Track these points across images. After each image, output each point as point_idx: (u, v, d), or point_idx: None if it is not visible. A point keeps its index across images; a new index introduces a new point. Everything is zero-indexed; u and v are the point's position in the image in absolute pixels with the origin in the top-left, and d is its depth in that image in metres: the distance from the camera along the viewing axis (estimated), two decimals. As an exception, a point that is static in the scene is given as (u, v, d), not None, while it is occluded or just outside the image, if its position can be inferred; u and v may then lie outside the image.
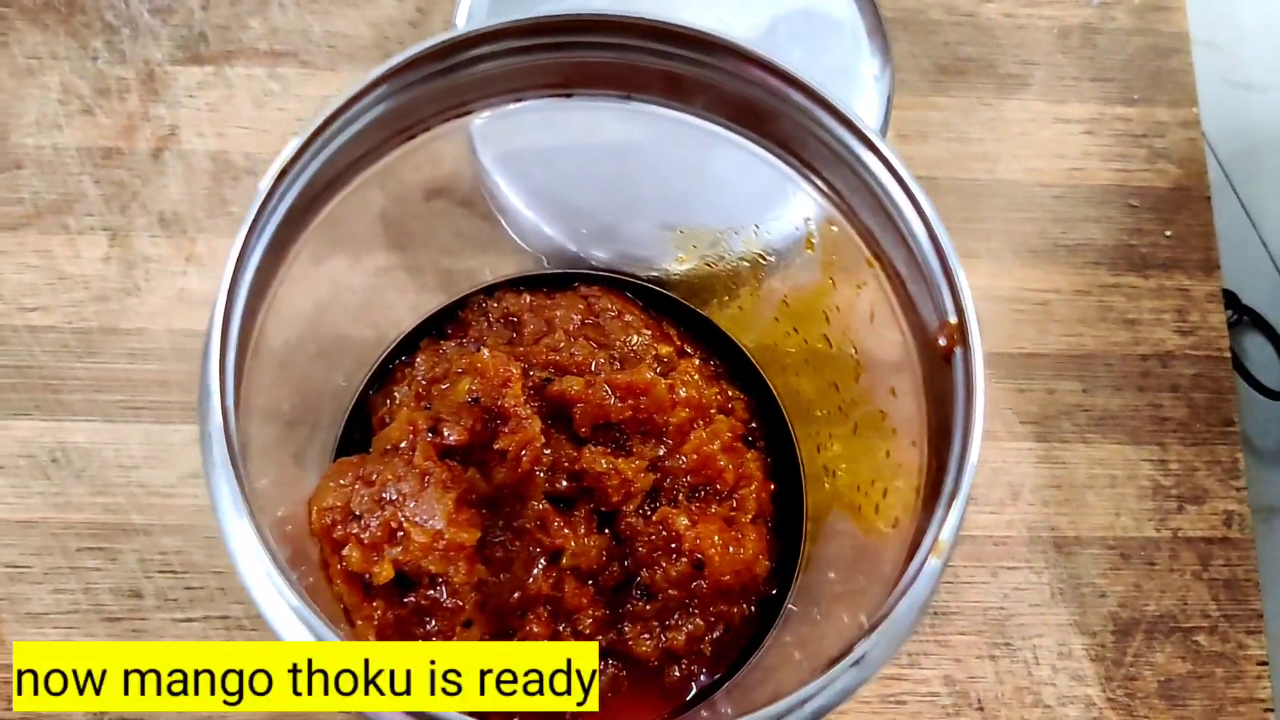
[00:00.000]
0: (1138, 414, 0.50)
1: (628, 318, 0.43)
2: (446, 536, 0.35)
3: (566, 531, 0.37)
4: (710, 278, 0.45)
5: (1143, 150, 0.54)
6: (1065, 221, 0.53)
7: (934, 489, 0.31)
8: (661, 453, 0.39)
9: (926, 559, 0.28)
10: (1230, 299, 0.53)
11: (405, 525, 0.36)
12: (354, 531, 0.36)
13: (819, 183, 0.36)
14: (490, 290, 0.44)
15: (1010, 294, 0.51)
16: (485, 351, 0.38)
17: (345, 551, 0.36)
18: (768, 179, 0.38)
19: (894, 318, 0.35)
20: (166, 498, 0.45)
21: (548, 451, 0.38)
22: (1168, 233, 0.53)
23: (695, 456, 0.39)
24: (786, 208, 0.40)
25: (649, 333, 0.43)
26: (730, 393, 0.43)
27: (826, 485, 0.41)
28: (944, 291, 0.31)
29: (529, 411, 0.37)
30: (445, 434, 0.36)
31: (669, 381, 0.40)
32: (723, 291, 0.45)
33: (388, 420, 0.40)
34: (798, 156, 0.36)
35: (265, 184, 0.29)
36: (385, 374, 0.42)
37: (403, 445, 0.37)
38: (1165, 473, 0.49)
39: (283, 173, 0.29)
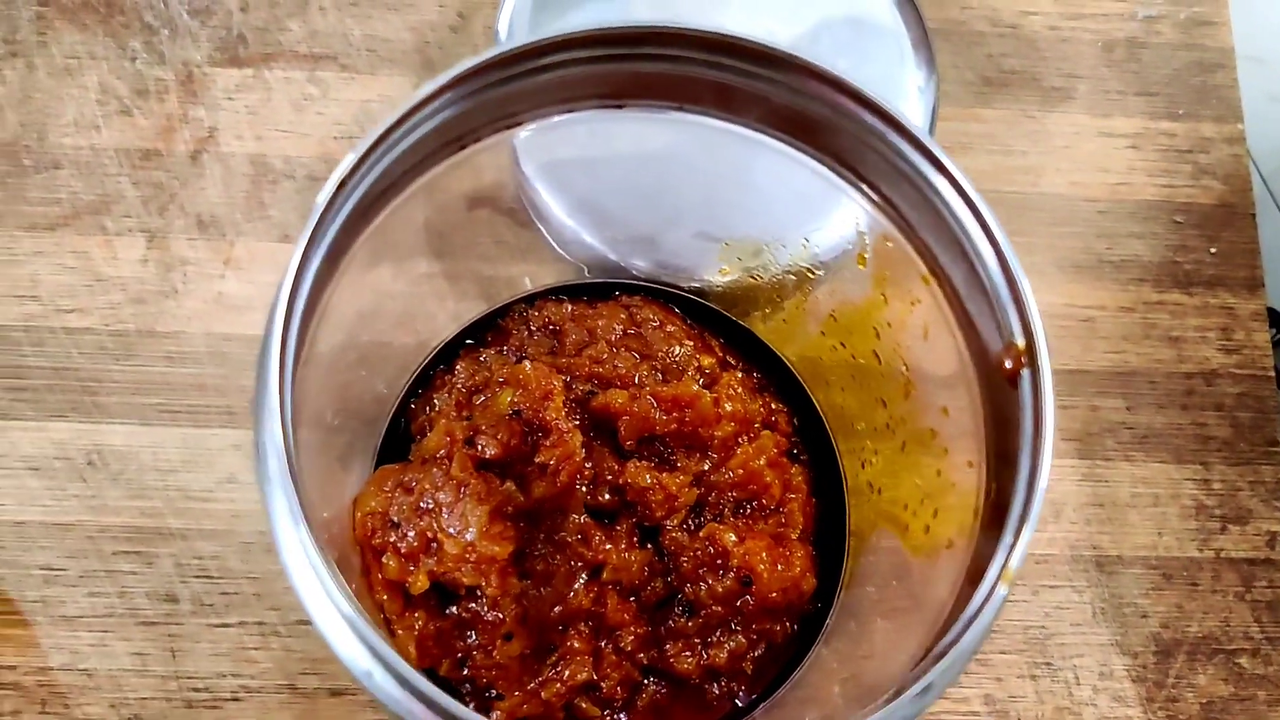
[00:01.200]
0: (1181, 432, 0.50)
1: (670, 328, 0.42)
2: (478, 549, 0.35)
3: (608, 546, 0.37)
4: (753, 289, 0.44)
5: (1188, 166, 0.54)
6: (1110, 237, 0.52)
7: (995, 512, 0.30)
8: (706, 467, 0.39)
9: (995, 586, 0.27)
10: (1274, 317, 0.53)
11: (439, 536, 0.35)
12: (392, 540, 0.36)
13: (875, 197, 0.36)
14: (531, 299, 0.43)
15: (1055, 310, 0.51)
16: (527, 364, 0.38)
17: (384, 560, 0.36)
18: (816, 190, 0.38)
19: (950, 336, 0.34)
20: (204, 502, 0.45)
21: (589, 465, 0.37)
22: (1212, 250, 0.53)
23: (741, 471, 0.38)
24: (835, 220, 0.39)
25: (691, 344, 0.42)
26: (774, 406, 0.42)
27: (870, 502, 0.41)
28: (1010, 312, 0.31)
29: (570, 425, 0.37)
30: (480, 447, 0.36)
31: (714, 394, 0.39)
32: (766, 303, 0.44)
33: (428, 428, 0.40)
34: (854, 170, 0.36)
35: (325, 194, 0.29)
36: (426, 381, 0.42)
37: (441, 455, 0.37)
38: (1208, 492, 0.49)
39: (343, 183, 0.29)
